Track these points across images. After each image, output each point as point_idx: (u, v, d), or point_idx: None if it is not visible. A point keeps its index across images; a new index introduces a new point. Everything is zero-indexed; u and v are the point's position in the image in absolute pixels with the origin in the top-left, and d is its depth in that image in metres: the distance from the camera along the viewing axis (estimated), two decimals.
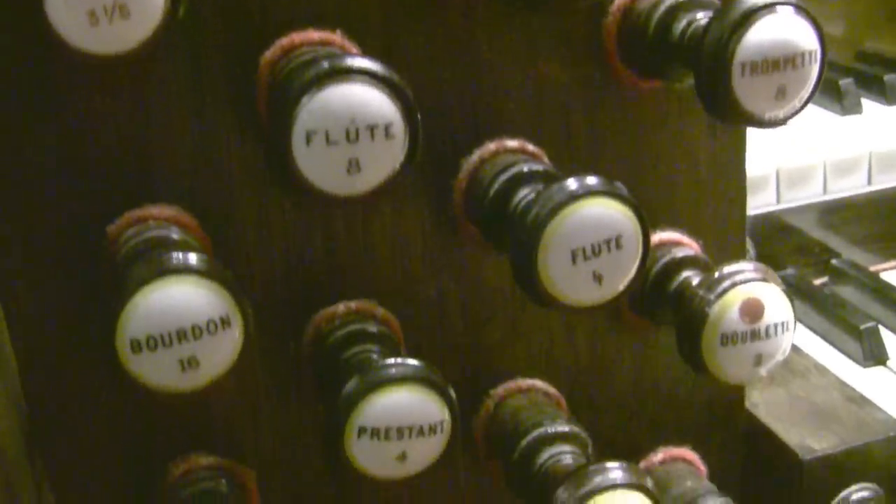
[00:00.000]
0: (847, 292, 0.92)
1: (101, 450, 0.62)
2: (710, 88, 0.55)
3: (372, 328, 0.61)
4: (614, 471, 0.59)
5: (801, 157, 0.92)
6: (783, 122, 0.55)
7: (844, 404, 0.73)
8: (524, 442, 0.63)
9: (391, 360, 0.57)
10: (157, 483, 0.63)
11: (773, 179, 0.90)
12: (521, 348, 0.67)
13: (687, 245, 0.66)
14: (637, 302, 0.66)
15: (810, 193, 0.92)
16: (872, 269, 0.95)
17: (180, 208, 0.58)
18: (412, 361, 0.57)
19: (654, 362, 0.70)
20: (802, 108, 0.56)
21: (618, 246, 0.55)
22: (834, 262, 0.95)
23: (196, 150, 0.58)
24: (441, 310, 0.64)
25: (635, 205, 0.55)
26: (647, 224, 0.56)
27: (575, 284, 0.55)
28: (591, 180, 0.55)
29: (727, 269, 0.61)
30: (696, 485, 0.69)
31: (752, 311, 0.60)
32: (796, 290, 0.88)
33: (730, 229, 0.68)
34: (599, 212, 0.54)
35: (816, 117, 1.04)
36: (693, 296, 0.60)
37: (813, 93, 0.55)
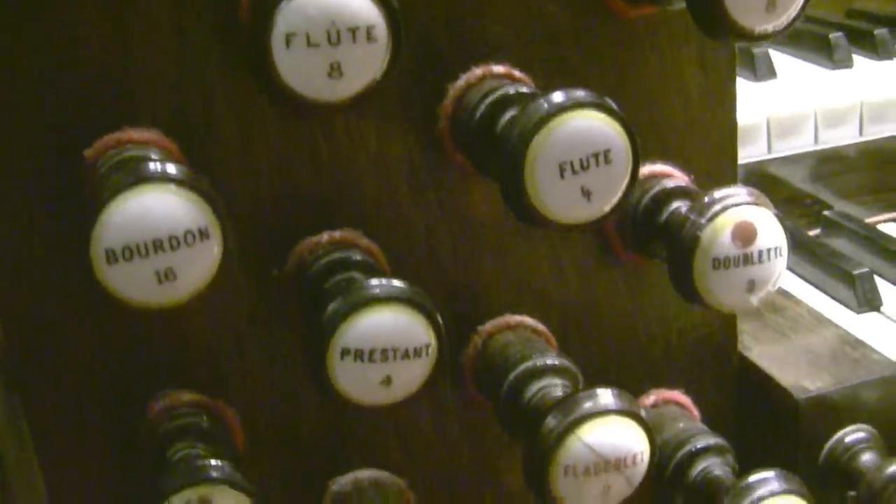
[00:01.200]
0: (840, 244, 0.91)
1: (79, 388, 0.61)
2: (701, 2, 0.54)
3: (356, 257, 0.60)
4: (605, 396, 0.57)
5: (792, 106, 0.91)
6: (773, 35, 0.54)
7: (839, 346, 0.72)
8: (512, 375, 0.62)
9: (375, 281, 0.55)
10: (138, 421, 0.62)
11: (764, 129, 0.89)
12: (510, 284, 0.65)
13: (677, 177, 0.65)
14: (627, 235, 0.65)
15: (801, 143, 0.91)
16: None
17: (160, 132, 0.57)
18: (397, 282, 0.56)
19: (646, 301, 0.69)
20: (792, 22, 0.55)
21: (606, 160, 0.54)
22: (826, 213, 0.94)
23: (177, 70, 0.57)
24: (428, 242, 0.63)
25: (624, 119, 0.54)
26: (637, 140, 0.55)
27: (563, 200, 0.54)
28: (580, 93, 0.54)
29: (719, 193, 0.59)
30: (688, 426, 0.68)
31: (745, 234, 0.59)
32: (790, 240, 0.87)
33: (721, 163, 0.67)
34: (588, 124, 0.53)
35: (807, 71, 1.03)
36: (684, 221, 0.59)
37: (804, 5, 0.54)
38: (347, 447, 0.66)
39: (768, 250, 0.59)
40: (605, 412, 0.57)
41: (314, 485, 0.66)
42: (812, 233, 0.93)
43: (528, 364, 0.62)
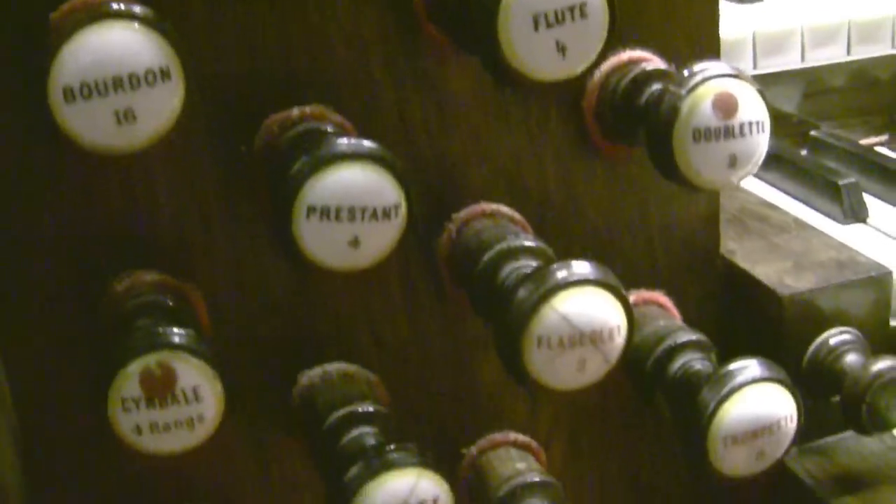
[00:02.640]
0: (827, 162, 0.89)
1: (42, 266, 0.59)
2: None
3: (327, 128, 0.58)
4: (581, 267, 0.56)
5: (779, 22, 0.89)
6: None
7: (824, 250, 0.70)
8: (486, 256, 0.60)
9: (344, 139, 0.54)
10: (101, 301, 0.60)
11: (750, 44, 0.87)
12: (486, 169, 0.64)
13: (657, 62, 0.63)
14: (606, 122, 0.63)
15: (788, 61, 0.89)
16: None
17: None
18: (367, 141, 0.54)
19: (627, 197, 0.67)
20: None
21: (582, 14, 0.52)
22: (813, 133, 0.92)
23: None
24: (402, 119, 0.61)
25: None
26: None
27: (537, 55, 0.52)
28: None
29: (699, 66, 0.58)
30: (669, 324, 0.66)
31: (726, 105, 0.57)
32: (774, 157, 0.86)
33: (704, 51, 0.65)
34: None
35: None
36: (663, 95, 0.58)
37: None
38: (318, 341, 0.64)
39: (750, 124, 0.57)
40: (580, 282, 0.55)
41: (283, 378, 0.64)
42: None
43: (503, 245, 0.60)
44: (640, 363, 0.65)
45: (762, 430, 0.60)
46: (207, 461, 0.65)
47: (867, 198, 0.82)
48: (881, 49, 0.93)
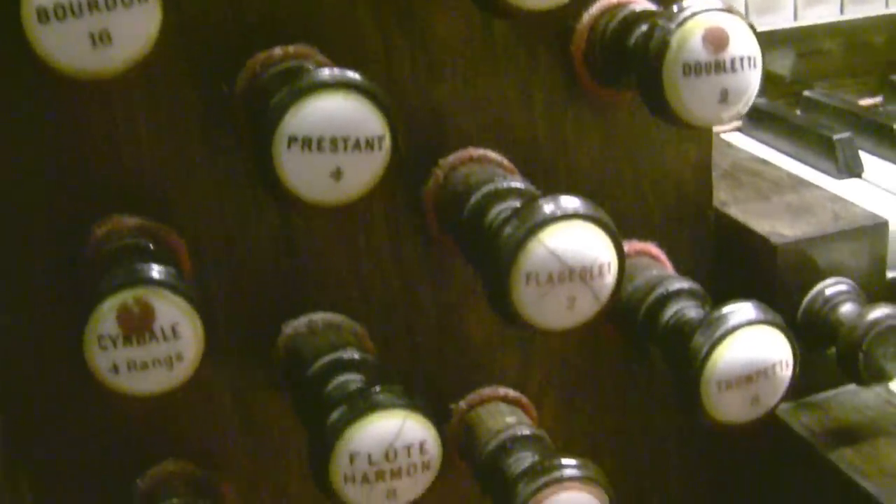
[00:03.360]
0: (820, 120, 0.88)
1: (20, 211, 0.58)
2: None
3: (310, 66, 0.57)
4: (570, 201, 0.54)
5: None
6: None
7: (818, 201, 0.69)
8: (474, 198, 0.59)
9: (327, 70, 0.52)
10: (81, 245, 0.59)
11: (742, 2, 0.86)
12: (474, 116, 0.62)
13: (647, 4, 0.62)
14: (596, 64, 0.62)
15: (780, 20, 0.88)
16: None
17: None
18: (350, 71, 0.53)
19: (618, 145, 0.66)
20: None
21: None
22: (806, 93, 0.91)
23: None
24: (387, 61, 0.60)
25: None
26: None
27: None
28: None
29: (689, 0, 0.57)
30: (661, 273, 0.65)
31: (716, 39, 0.56)
32: (768, 116, 0.84)
33: None
34: None
35: None
36: (652, 30, 0.57)
37: None
38: (303, 291, 0.63)
39: (741, 59, 0.56)
40: (569, 216, 0.53)
41: (266, 329, 0.63)
42: None
43: (491, 187, 0.59)
44: (632, 313, 0.63)
45: (757, 375, 0.59)
46: (190, 415, 0.64)
47: (862, 155, 0.81)
48: (875, 9, 0.92)
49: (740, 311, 0.58)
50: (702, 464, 0.71)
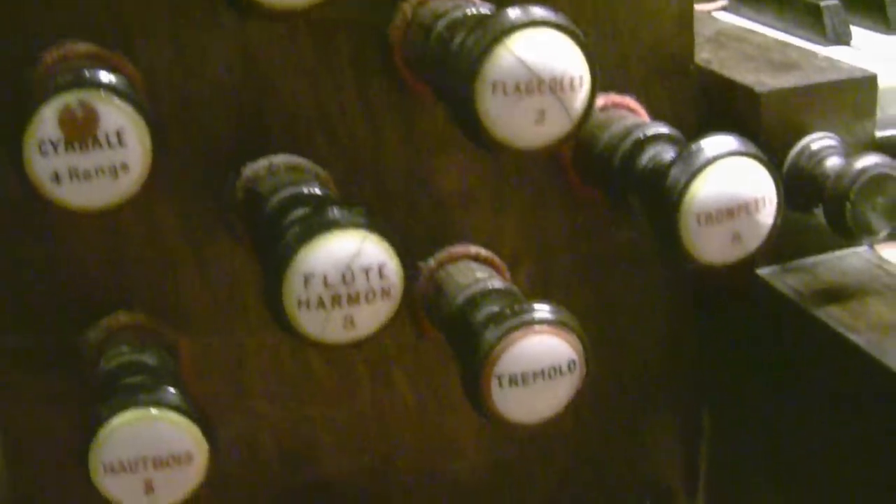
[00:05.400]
0: None
1: None
2: None
3: None
4: (537, 9, 0.51)
5: None
6: None
7: (805, 58, 0.66)
8: (440, 26, 0.56)
9: None
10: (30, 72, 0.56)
11: None
12: None
13: None
14: None
15: None
16: None
17: None
18: None
19: None
20: None
21: None
22: None
23: None
24: None
25: None
26: None
27: None
28: None
29: None
30: (638, 121, 0.62)
31: None
32: None
33: None
34: None
35: None
36: None
37: None
38: (264, 131, 0.60)
39: None
40: (538, 23, 0.51)
41: (225, 172, 0.60)
42: None
43: (458, 13, 0.56)
44: (608, 161, 0.61)
45: (738, 209, 0.56)
46: (143, 264, 0.61)
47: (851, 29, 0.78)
48: None
49: (720, 142, 0.55)
50: (685, 334, 0.68)
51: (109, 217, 0.56)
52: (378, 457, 0.68)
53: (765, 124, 0.62)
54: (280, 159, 0.60)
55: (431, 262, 0.63)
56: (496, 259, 0.64)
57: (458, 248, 0.64)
